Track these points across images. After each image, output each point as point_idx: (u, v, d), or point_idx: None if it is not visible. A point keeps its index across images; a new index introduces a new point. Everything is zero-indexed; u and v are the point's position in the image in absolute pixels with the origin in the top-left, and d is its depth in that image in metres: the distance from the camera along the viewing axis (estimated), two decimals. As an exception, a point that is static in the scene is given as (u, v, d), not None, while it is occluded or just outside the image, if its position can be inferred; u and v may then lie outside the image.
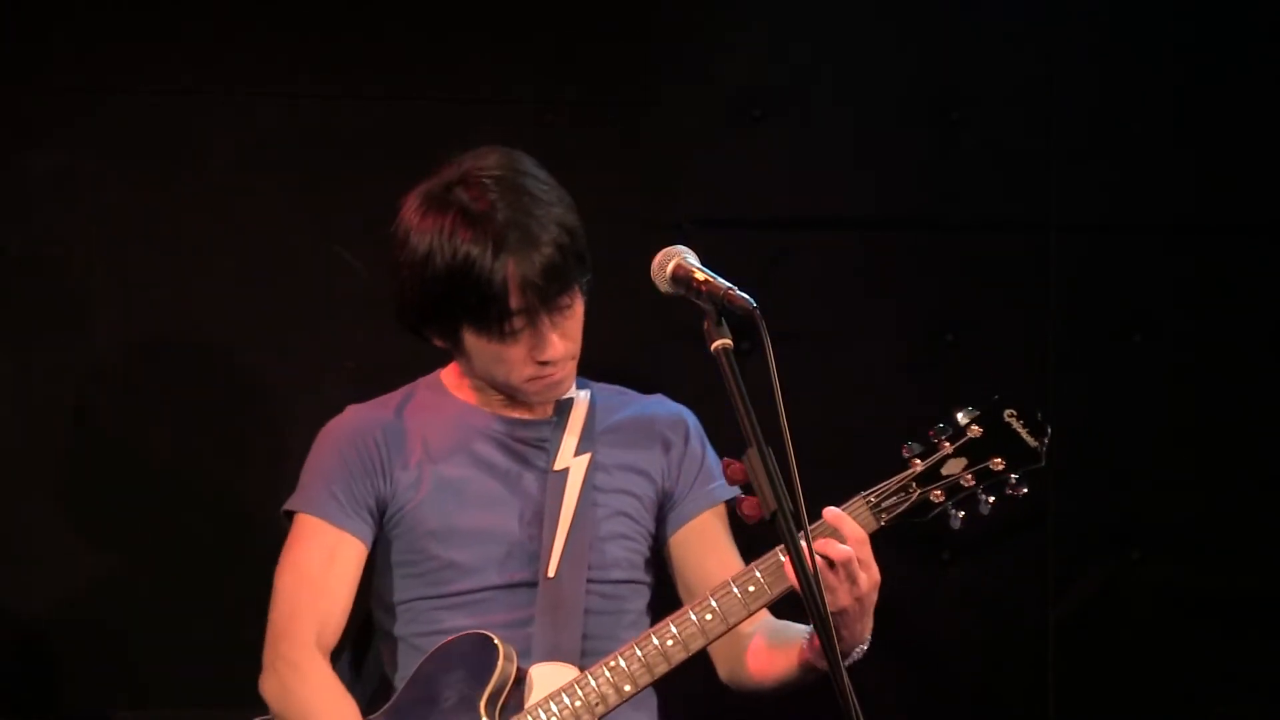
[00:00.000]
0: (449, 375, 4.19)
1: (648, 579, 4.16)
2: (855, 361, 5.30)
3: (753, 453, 3.37)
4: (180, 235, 5.01)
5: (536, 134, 5.01)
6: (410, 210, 4.04)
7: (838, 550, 3.72)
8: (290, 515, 4.11)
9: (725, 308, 3.47)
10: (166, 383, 5.02)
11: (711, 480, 4.16)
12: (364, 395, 4.25)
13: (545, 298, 3.92)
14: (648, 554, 4.15)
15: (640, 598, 4.14)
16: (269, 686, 4.02)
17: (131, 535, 5.00)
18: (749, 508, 3.46)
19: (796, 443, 3.77)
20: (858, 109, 5.28)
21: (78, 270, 4.97)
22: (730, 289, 3.48)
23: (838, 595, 3.73)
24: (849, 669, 3.73)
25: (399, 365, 4.36)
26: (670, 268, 3.63)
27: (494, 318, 3.92)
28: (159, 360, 5.02)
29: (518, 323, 3.93)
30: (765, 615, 4.07)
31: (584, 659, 3.97)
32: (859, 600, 3.76)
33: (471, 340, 3.99)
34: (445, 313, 3.98)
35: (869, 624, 3.83)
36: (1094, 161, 5.37)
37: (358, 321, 5.03)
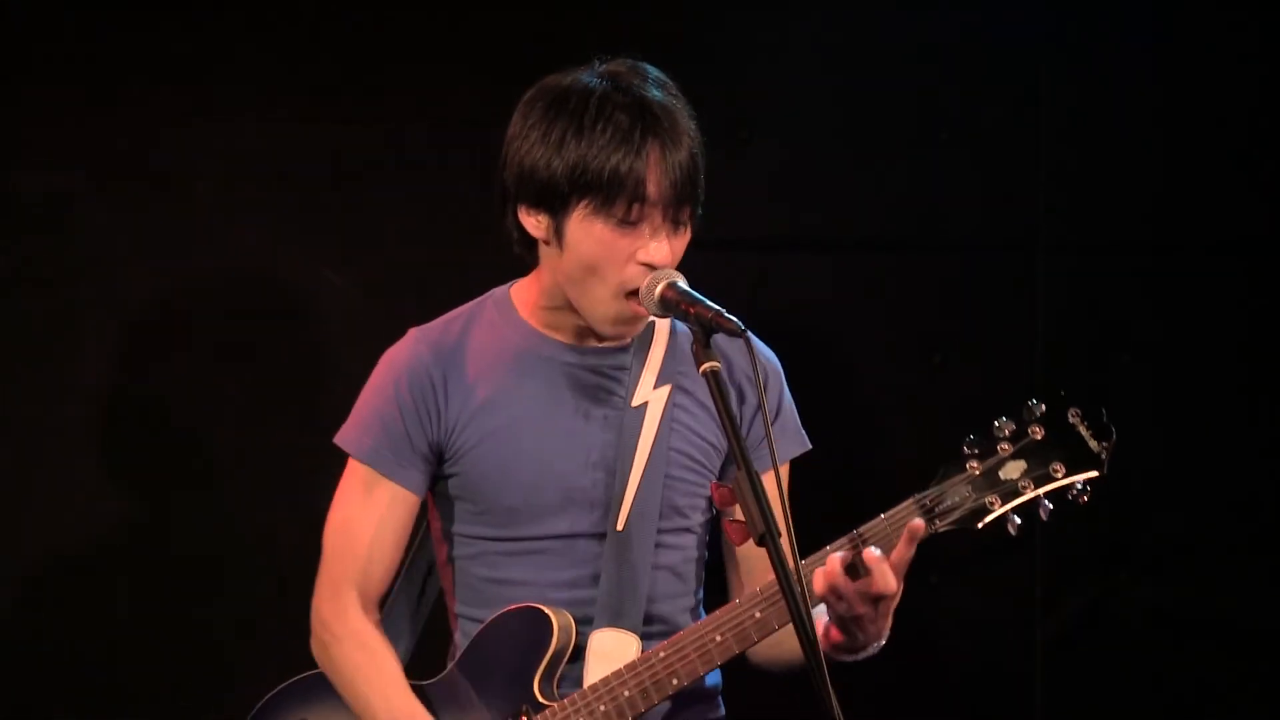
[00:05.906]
0: (521, 291, 3.91)
1: (707, 518, 3.96)
2: (842, 382, 5.31)
3: (741, 475, 3.36)
4: (166, 256, 5.01)
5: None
6: (548, 79, 3.80)
7: (884, 580, 3.62)
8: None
9: (713, 330, 3.48)
10: (153, 402, 5.01)
11: (777, 438, 3.86)
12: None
13: (675, 198, 3.70)
14: (710, 499, 3.93)
15: (703, 545, 3.94)
16: (315, 649, 3.88)
17: (117, 553, 4.99)
18: (736, 532, 3.44)
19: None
20: (845, 130, 5.29)
21: (65, 291, 4.97)
22: (719, 312, 3.49)
23: (854, 604, 3.65)
24: (862, 662, 3.71)
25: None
26: (659, 291, 3.64)
27: (625, 194, 3.66)
28: (146, 380, 5.02)
29: (647, 210, 3.69)
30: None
31: (647, 627, 3.82)
32: (874, 606, 3.66)
33: (579, 222, 3.71)
34: (569, 182, 3.68)
35: (887, 624, 3.71)
36: (1081, 182, 5.38)
37: (343, 340, 5.03)
